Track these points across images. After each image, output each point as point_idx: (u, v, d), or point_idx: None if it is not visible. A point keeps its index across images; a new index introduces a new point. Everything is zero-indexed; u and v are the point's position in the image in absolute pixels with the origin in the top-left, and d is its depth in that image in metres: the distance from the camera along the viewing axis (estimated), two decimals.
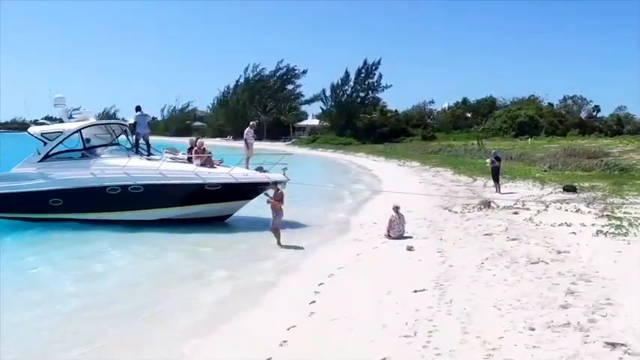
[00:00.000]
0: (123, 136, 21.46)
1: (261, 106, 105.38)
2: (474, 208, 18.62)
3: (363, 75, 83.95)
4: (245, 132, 20.51)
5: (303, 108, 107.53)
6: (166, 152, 20.15)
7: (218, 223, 18.86)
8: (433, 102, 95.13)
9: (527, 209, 17.71)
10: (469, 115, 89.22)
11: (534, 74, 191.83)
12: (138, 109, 20.65)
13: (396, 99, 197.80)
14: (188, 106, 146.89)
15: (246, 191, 18.65)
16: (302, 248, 15.25)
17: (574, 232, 13.66)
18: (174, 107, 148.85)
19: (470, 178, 29.26)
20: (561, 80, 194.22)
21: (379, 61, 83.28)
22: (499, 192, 23.04)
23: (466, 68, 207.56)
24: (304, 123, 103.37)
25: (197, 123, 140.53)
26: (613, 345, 6.92)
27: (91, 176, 18.89)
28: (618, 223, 14.18)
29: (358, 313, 9.15)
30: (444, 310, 8.78)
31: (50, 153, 19.66)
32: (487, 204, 18.71)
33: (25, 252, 15.62)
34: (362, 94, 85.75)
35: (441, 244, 13.70)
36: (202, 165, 18.88)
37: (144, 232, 17.49)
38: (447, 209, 18.92)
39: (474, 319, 8.30)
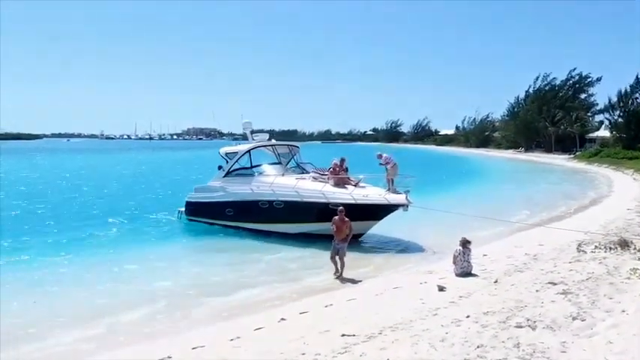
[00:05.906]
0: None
1: (549, 117, 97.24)
2: (605, 247, 15.07)
3: None
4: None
5: (598, 118, 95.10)
6: (313, 172, 21.25)
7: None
8: None
9: None
10: None
11: None
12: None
13: None
14: (487, 117, 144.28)
15: (368, 212, 18.55)
16: (357, 281, 14.51)
17: None
18: (474, 119, 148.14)
19: None
20: None
21: None
22: None
23: None
24: (595, 134, 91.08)
25: (496, 134, 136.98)
26: None
27: (250, 191, 21.22)
28: None
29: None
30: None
31: (230, 170, 22.80)
32: (625, 244, 14.92)
33: None
34: None
35: (482, 288, 11.85)
36: (337, 184, 19.52)
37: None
38: (579, 246, 15.69)
39: None
